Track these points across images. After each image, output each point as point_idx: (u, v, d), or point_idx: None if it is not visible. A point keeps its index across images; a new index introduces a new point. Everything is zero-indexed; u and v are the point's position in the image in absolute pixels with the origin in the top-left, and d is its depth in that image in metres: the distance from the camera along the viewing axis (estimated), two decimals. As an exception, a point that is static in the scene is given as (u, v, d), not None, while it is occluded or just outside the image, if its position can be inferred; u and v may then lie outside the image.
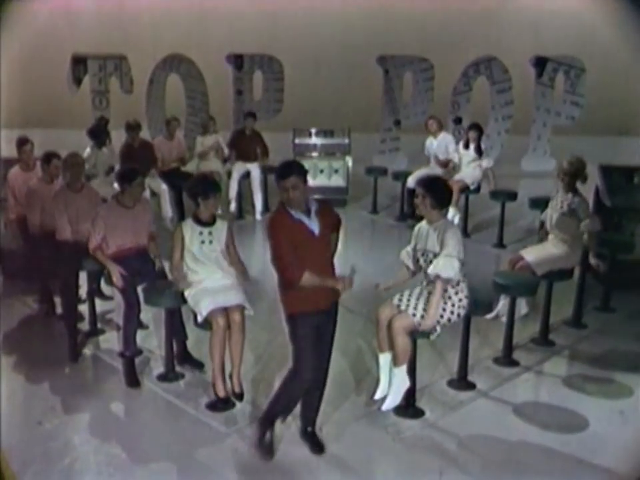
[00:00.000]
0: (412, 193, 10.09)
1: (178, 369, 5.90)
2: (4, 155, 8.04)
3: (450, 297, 5.02)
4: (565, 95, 13.25)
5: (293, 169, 4.43)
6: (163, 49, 12.99)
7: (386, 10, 13.14)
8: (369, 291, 5.49)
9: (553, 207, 6.72)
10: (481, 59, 13.05)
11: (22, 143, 7.36)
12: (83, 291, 6.85)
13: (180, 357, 5.97)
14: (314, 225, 4.45)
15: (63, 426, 5.18)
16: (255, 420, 5.03)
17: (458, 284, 5.03)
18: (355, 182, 11.19)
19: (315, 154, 11.26)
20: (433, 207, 4.95)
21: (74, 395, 5.63)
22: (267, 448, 4.75)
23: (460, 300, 5.06)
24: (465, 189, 9.56)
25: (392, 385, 5.08)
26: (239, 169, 10.52)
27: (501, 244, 9.30)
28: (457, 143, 10.04)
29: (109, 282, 6.02)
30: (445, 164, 9.81)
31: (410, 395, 5.26)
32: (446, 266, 4.88)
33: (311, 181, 6.20)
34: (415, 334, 5.06)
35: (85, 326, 6.64)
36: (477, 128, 9.71)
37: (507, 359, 6.18)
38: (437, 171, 9.45)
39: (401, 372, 5.05)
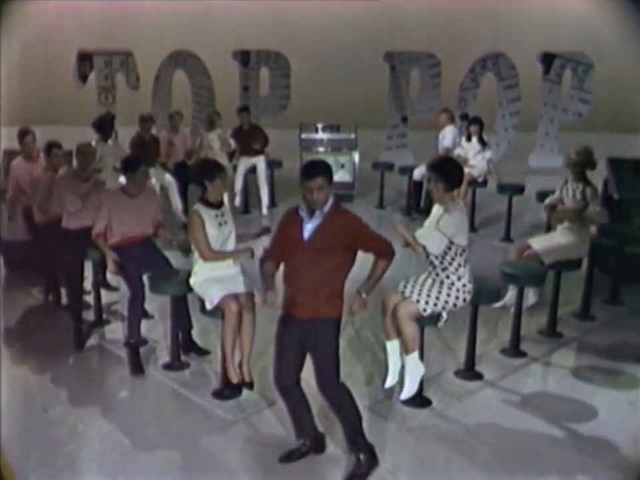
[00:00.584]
0: (418, 185, 10.17)
1: (184, 358, 5.88)
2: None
3: (453, 283, 4.98)
4: (572, 91, 13.24)
5: (320, 170, 4.11)
6: (169, 45, 12.98)
7: (393, 6, 13.09)
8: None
9: (564, 194, 6.69)
10: (488, 55, 13.04)
11: (23, 134, 7.36)
12: (89, 283, 6.85)
13: (185, 346, 5.95)
14: (308, 228, 4.14)
15: (68, 413, 5.16)
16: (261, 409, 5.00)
17: (458, 269, 4.98)
18: (361, 177, 11.17)
19: (321, 149, 11.21)
20: (446, 190, 4.92)
21: (79, 384, 5.61)
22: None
23: (464, 285, 5.01)
24: (472, 182, 9.55)
25: (406, 373, 5.03)
26: (244, 163, 10.52)
27: (508, 238, 9.26)
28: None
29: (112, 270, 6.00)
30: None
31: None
32: (424, 235, 4.91)
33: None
34: (421, 320, 5.02)
35: (90, 316, 6.62)
36: (478, 121, 9.79)
37: (514, 349, 6.13)
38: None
39: (413, 359, 5.00)
